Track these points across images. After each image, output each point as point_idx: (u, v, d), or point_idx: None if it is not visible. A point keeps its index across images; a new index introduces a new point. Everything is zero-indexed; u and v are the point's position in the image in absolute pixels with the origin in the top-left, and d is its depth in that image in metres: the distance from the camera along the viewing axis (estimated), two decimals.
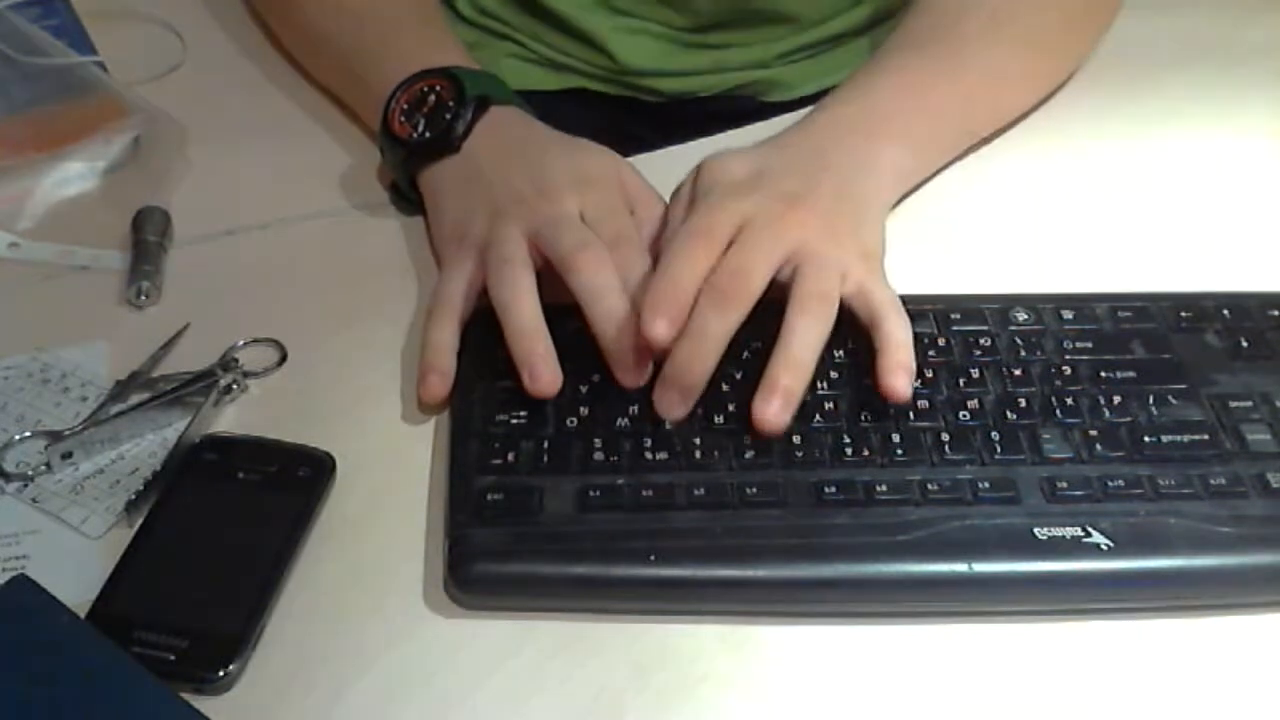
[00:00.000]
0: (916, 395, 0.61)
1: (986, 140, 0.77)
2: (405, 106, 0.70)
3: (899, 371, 0.59)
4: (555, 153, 0.67)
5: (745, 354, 0.61)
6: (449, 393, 0.62)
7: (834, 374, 0.61)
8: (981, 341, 0.64)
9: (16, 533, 0.57)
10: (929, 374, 0.62)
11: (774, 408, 0.57)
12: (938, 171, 0.75)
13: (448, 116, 0.68)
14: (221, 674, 0.52)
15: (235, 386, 0.63)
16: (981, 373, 0.62)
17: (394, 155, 0.71)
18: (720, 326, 0.58)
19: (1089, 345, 0.64)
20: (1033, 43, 0.78)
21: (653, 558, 0.55)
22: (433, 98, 0.69)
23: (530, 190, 0.65)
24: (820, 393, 0.61)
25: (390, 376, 0.65)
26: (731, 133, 0.77)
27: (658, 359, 0.60)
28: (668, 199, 0.68)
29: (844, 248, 0.62)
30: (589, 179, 0.66)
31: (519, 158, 0.67)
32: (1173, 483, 0.58)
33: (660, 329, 0.57)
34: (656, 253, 0.65)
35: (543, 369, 0.59)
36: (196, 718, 0.49)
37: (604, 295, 0.60)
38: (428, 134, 0.69)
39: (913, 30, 0.76)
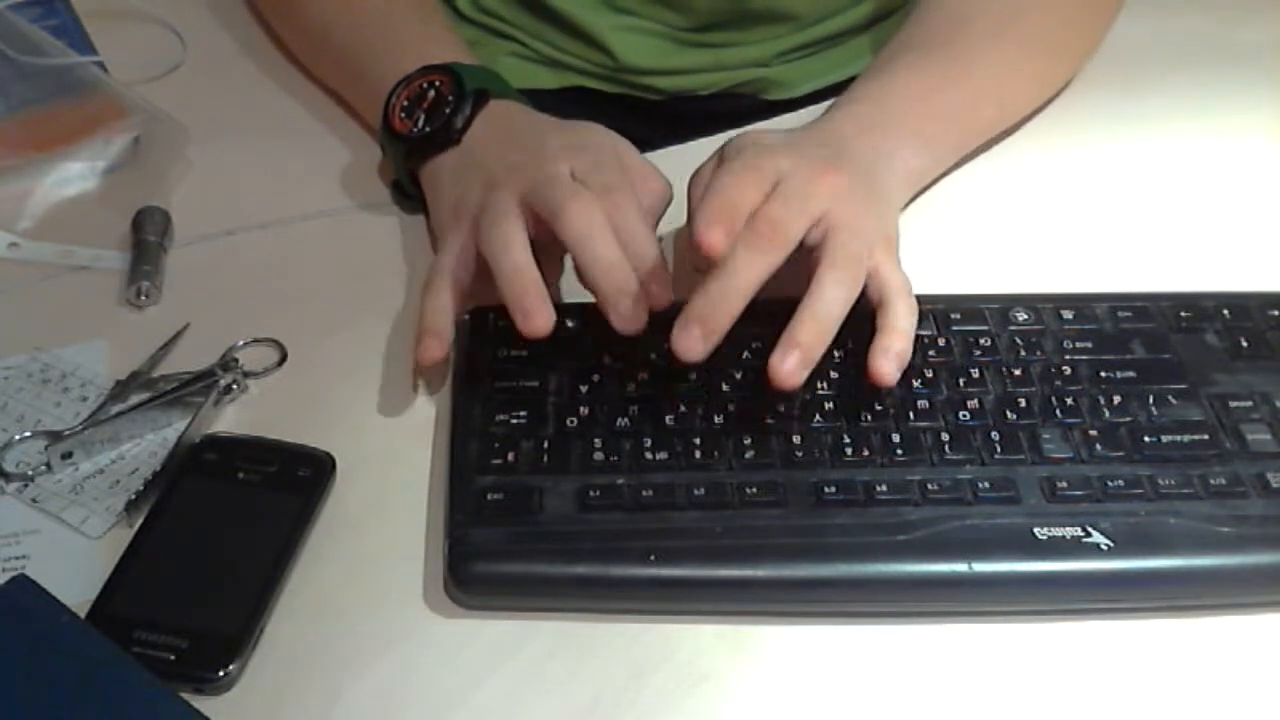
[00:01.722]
0: (916, 395, 0.61)
1: (989, 140, 0.77)
2: (405, 103, 0.70)
3: (889, 355, 0.58)
4: (551, 130, 0.67)
5: (745, 354, 0.62)
6: (445, 355, 0.61)
7: (834, 374, 0.61)
8: (981, 341, 0.64)
9: (16, 533, 0.57)
10: (929, 374, 0.62)
11: (790, 363, 0.56)
12: (943, 172, 0.75)
13: (447, 111, 0.68)
14: (221, 674, 0.52)
15: (235, 386, 0.63)
16: (981, 373, 0.62)
17: (395, 151, 0.71)
18: (753, 269, 0.57)
19: (1089, 345, 0.64)
20: (1039, 44, 0.78)
21: (653, 558, 0.55)
22: (432, 93, 0.70)
23: (523, 160, 0.65)
24: (820, 393, 0.60)
25: (390, 376, 0.65)
26: (731, 132, 0.77)
27: (654, 305, 0.59)
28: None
29: (871, 221, 0.62)
30: (583, 145, 0.66)
31: (515, 139, 0.67)
32: (1173, 483, 0.58)
33: (716, 236, 0.56)
34: (652, 224, 0.65)
35: (535, 306, 0.58)
36: (196, 718, 0.49)
37: (593, 241, 0.59)
38: (427, 129, 0.69)
39: (921, 31, 0.76)
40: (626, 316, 0.59)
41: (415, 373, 0.63)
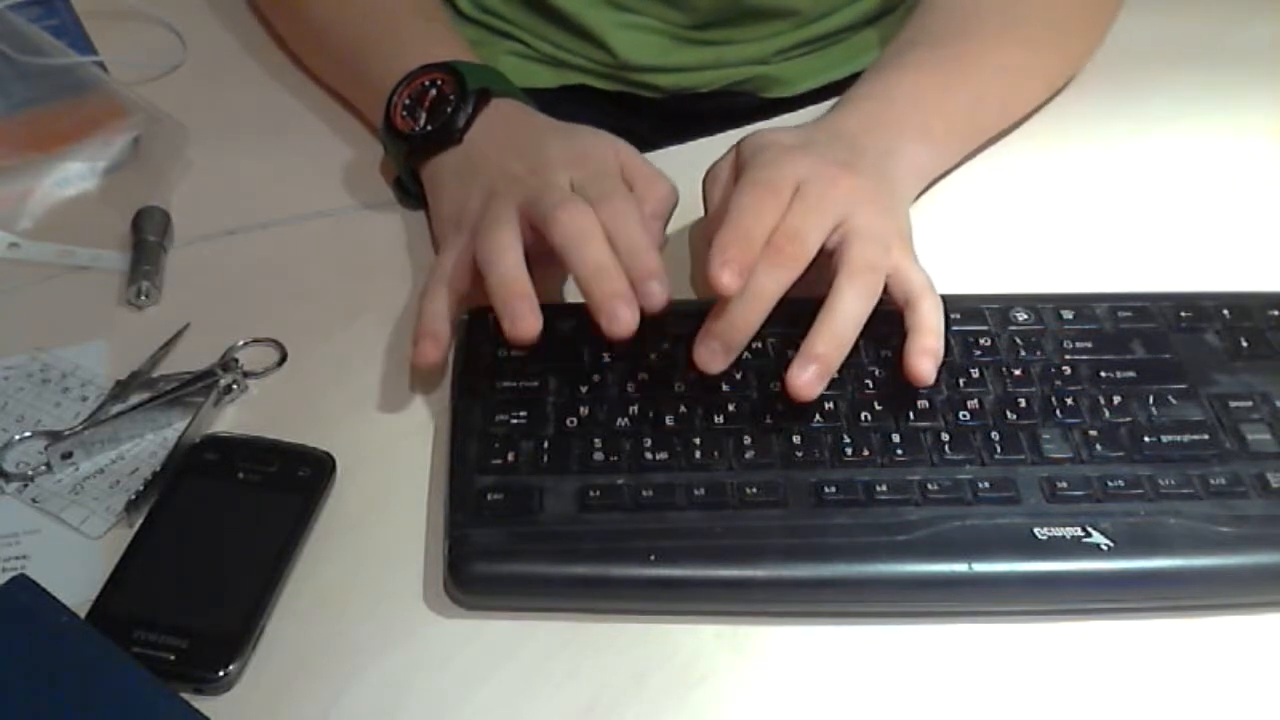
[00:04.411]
0: (916, 395, 0.61)
1: (991, 139, 0.77)
2: (407, 101, 0.70)
3: (926, 355, 0.59)
4: (551, 137, 0.68)
5: (746, 354, 0.61)
6: (442, 358, 0.61)
7: (835, 373, 0.61)
8: (981, 341, 0.64)
9: (16, 533, 0.57)
10: None
11: (808, 376, 0.57)
12: (946, 171, 0.75)
13: (449, 109, 0.69)
14: (221, 674, 0.52)
15: (235, 386, 0.63)
16: (981, 373, 0.62)
17: (396, 150, 0.71)
18: (773, 286, 0.58)
19: (1089, 345, 0.64)
20: (1045, 41, 0.78)
21: (653, 558, 0.55)
22: (434, 92, 0.70)
23: (523, 170, 0.65)
24: (820, 392, 0.60)
25: (390, 376, 0.65)
26: (731, 131, 0.77)
27: (646, 307, 0.58)
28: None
29: (887, 222, 0.63)
30: (583, 156, 0.66)
31: (516, 144, 0.67)
32: (1173, 483, 0.58)
33: (728, 278, 0.56)
34: (658, 227, 0.66)
35: (522, 310, 0.58)
36: (196, 718, 0.49)
37: (583, 244, 0.59)
38: (429, 128, 0.69)
39: (927, 27, 0.76)
40: (616, 320, 0.57)
41: (412, 374, 0.63)
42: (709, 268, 0.57)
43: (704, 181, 0.67)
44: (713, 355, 0.58)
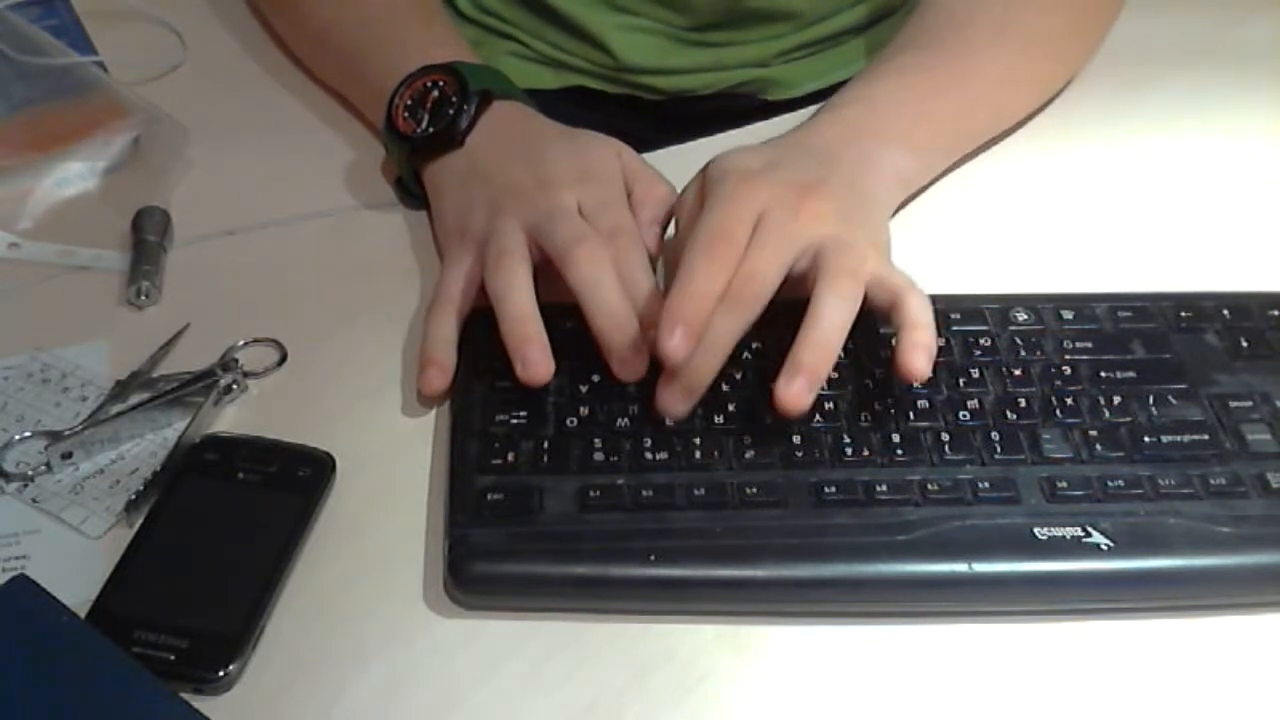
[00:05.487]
0: (916, 395, 0.61)
1: (987, 141, 0.77)
2: (409, 102, 0.70)
3: (919, 350, 0.57)
4: (555, 145, 0.68)
5: (745, 355, 0.62)
6: (448, 386, 0.62)
7: (834, 374, 0.61)
8: (981, 341, 0.64)
9: (16, 533, 0.57)
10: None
11: (796, 388, 0.56)
12: (938, 175, 0.75)
13: (451, 111, 0.69)
14: (221, 674, 0.52)
15: (235, 386, 0.63)
16: (981, 373, 0.62)
17: (398, 151, 0.71)
18: (731, 329, 0.57)
19: (1089, 345, 0.64)
20: (1039, 47, 0.78)
21: (653, 558, 0.55)
22: (436, 93, 0.70)
23: (529, 183, 0.65)
24: (820, 393, 0.60)
25: (390, 376, 0.65)
26: (731, 132, 0.78)
27: (654, 353, 0.60)
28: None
29: (859, 235, 0.62)
30: (588, 171, 0.66)
31: (519, 151, 0.67)
32: (1173, 483, 0.58)
33: (677, 343, 0.56)
34: (657, 233, 0.65)
35: (535, 356, 0.59)
36: (196, 718, 0.49)
37: (600, 289, 0.60)
38: (431, 129, 0.69)
39: (919, 31, 0.75)
40: (629, 367, 0.60)
41: (419, 397, 0.63)
42: (659, 335, 0.56)
43: (674, 208, 0.66)
44: (675, 400, 0.58)
